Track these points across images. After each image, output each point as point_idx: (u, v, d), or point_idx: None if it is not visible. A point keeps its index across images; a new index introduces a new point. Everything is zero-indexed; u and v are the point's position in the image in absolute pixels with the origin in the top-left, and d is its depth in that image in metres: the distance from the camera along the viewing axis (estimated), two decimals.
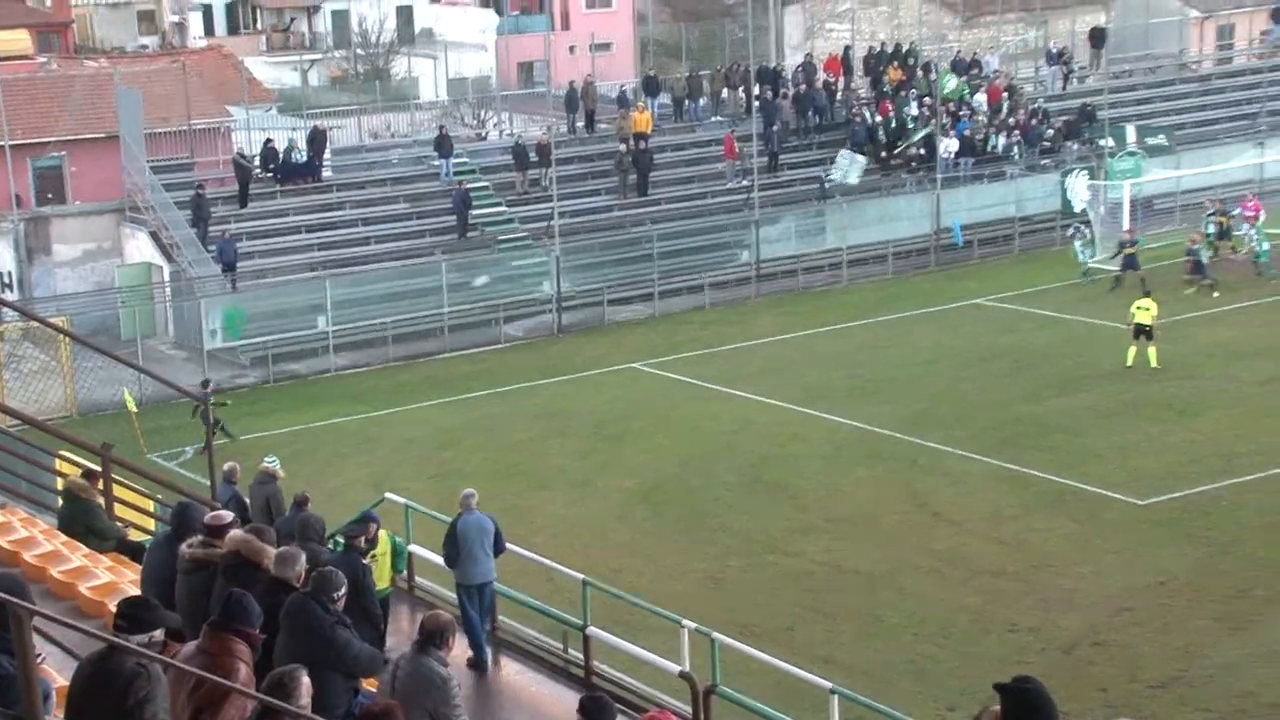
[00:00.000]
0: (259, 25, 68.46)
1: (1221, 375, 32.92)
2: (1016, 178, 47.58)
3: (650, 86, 50.06)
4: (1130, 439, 29.33)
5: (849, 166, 46.74)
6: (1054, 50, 55.71)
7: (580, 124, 48.20)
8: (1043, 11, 57.80)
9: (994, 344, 36.72)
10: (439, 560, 17.61)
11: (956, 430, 30.41)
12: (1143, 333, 33.34)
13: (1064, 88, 55.11)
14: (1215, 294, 38.47)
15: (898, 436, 30.33)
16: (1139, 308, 33.62)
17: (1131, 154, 47.63)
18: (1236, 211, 42.91)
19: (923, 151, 47.78)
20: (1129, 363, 33.41)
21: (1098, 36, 56.57)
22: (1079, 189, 46.51)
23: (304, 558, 10.75)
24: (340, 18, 64.99)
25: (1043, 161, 48.88)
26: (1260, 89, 54.51)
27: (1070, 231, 45.91)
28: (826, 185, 46.50)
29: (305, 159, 43.02)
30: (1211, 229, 42.51)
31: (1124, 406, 31.28)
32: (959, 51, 54.40)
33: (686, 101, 49.89)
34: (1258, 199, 44.02)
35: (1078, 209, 46.44)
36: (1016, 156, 48.76)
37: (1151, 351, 33.24)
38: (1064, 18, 58.45)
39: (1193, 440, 29.03)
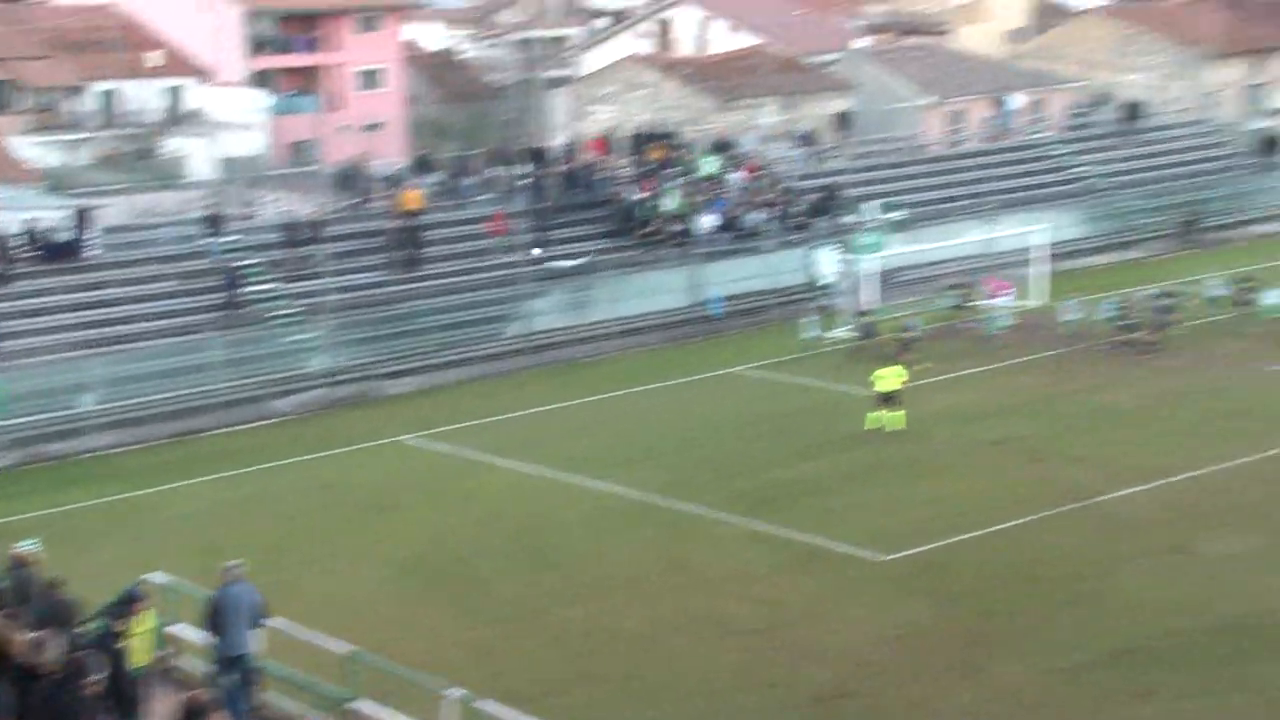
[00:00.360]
0: (22, 106, 66.37)
1: (955, 437, 34.26)
2: (770, 252, 48.86)
3: (422, 165, 50.14)
4: (872, 498, 30.33)
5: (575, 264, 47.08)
6: (803, 133, 57.59)
7: (352, 201, 48.03)
8: (793, 97, 59.75)
9: (751, 410, 37.55)
10: (200, 638, 17.34)
11: (712, 494, 30.97)
12: (887, 399, 34.51)
13: (813, 168, 56.91)
14: (928, 365, 39.44)
15: (657, 501, 30.76)
16: (880, 375, 34.77)
17: (874, 230, 49.39)
18: (981, 288, 44.67)
19: (684, 227, 48.76)
20: (872, 426, 34.53)
21: (842, 120, 58.76)
22: (827, 263, 48.06)
23: (57, 643, 10.59)
24: (108, 98, 63.59)
25: (794, 237, 50.33)
26: (988, 169, 57.11)
27: (817, 304, 47.40)
28: (547, 265, 46.58)
29: (71, 238, 41.86)
30: (951, 302, 44.31)
31: (868, 468, 32.33)
32: (717, 133, 55.76)
33: (457, 180, 50.14)
34: (1002, 280, 45.84)
35: (826, 281, 47.91)
36: (770, 232, 50.11)
37: (896, 416, 34.42)
38: (812, 103, 60.52)
39: (929, 498, 30.13)
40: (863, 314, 42.33)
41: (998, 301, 43.50)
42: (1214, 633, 23.29)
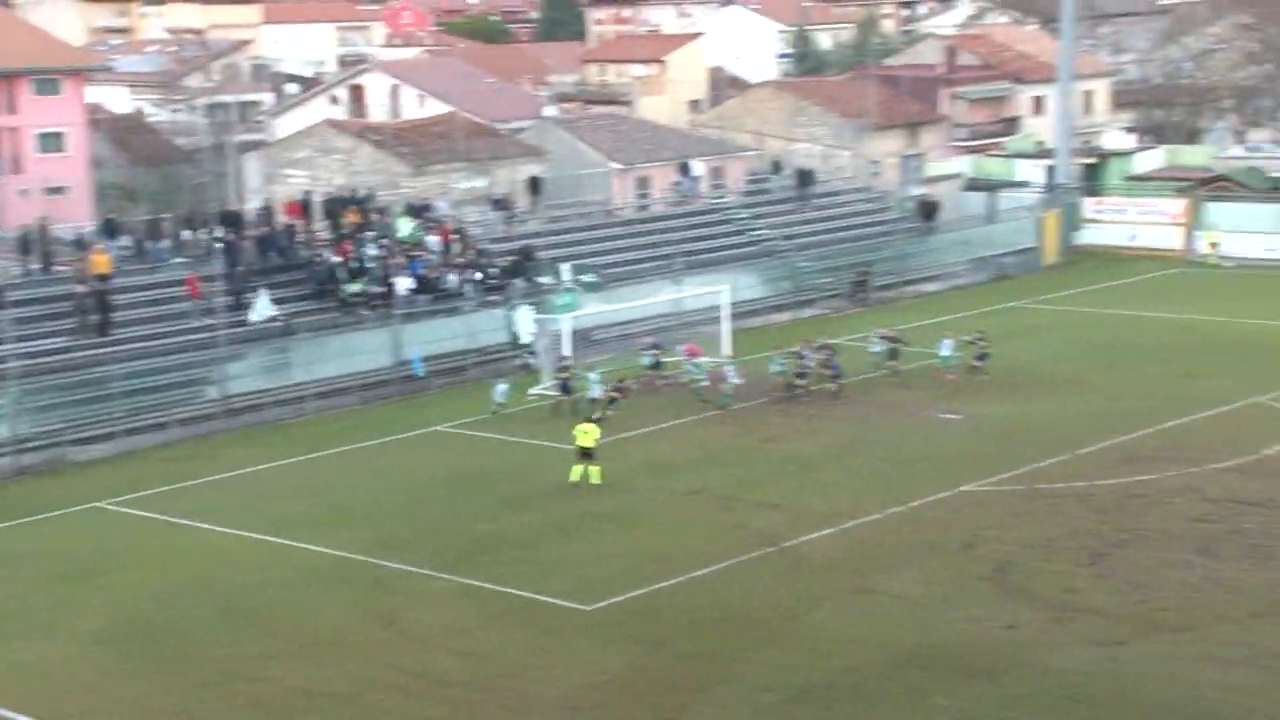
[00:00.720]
0: None
1: (653, 488, 34.83)
2: (469, 313, 48.82)
3: (109, 229, 48.16)
4: (578, 550, 30.50)
5: (264, 307, 46.17)
6: (497, 197, 57.86)
7: (36, 266, 45.69)
8: (485, 162, 59.97)
9: (454, 467, 37.33)
10: None
11: (419, 550, 30.68)
12: (586, 453, 34.78)
13: (507, 230, 57.19)
14: (608, 414, 40.03)
15: (363, 559, 30.23)
16: (581, 431, 35.04)
17: (569, 290, 49.97)
18: (676, 349, 45.52)
19: (382, 289, 48.20)
20: (574, 479, 34.74)
21: (535, 184, 59.31)
22: (525, 322, 48.31)
23: None
24: None
25: (491, 297, 50.41)
26: (674, 232, 58.56)
27: (519, 361, 47.62)
28: (251, 323, 45.67)
29: None
30: (647, 360, 45.00)
31: (571, 520, 32.52)
32: (411, 197, 55.45)
33: (147, 243, 48.32)
34: (695, 345, 46.74)
35: (524, 340, 48.17)
36: (468, 293, 50.05)
37: (594, 470, 34.73)
38: (504, 167, 60.87)
39: (631, 548, 30.52)
40: (561, 369, 42.61)
41: (701, 360, 44.52)
42: (894, 667, 24.23)
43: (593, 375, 41.86)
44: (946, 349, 45.45)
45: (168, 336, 45.03)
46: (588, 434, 34.83)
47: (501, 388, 42.02)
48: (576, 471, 34.76)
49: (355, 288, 47.84)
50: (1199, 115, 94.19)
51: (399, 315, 46.84)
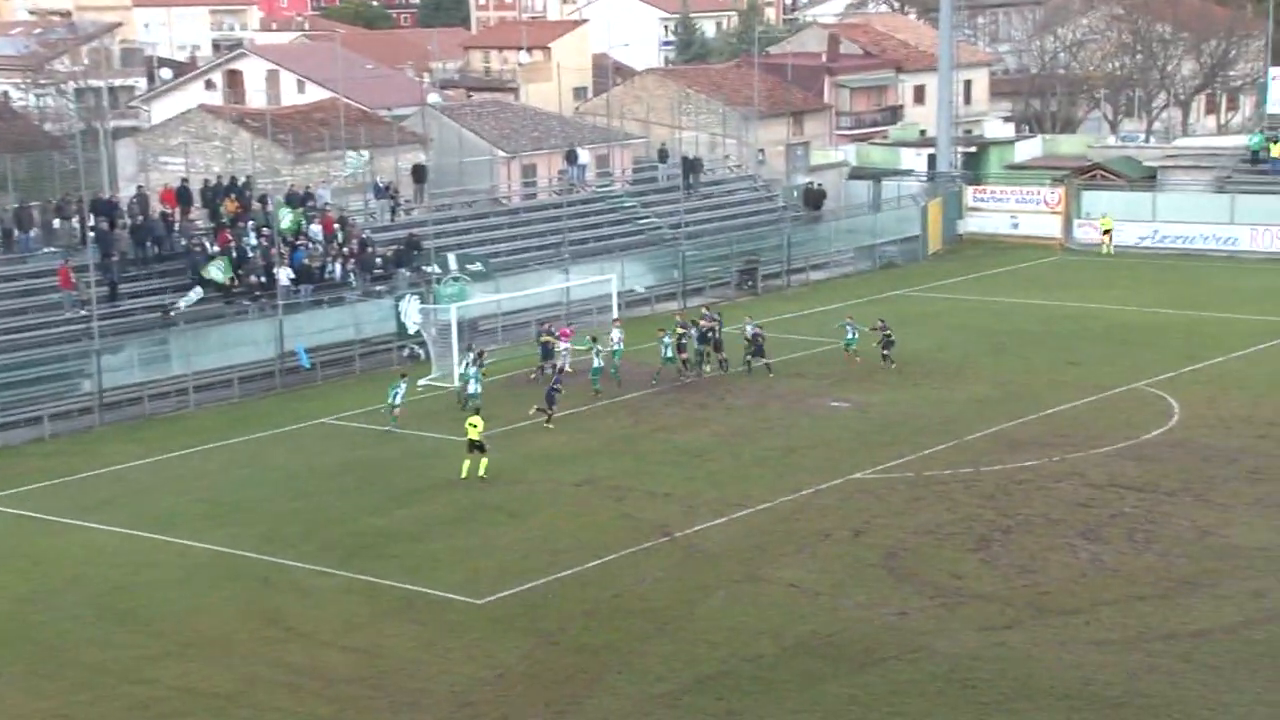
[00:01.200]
0: None
1: (544, 479, 34.78)
2: (354, 303, 48.35)
3: None
4: (469, 543, 30.36)
5: (197, 299, 45.78)
6: (381, 184, 57.29)
7: None
8: (368, 149, 59.34)
9: (341, 460, 37.00)
10: None
11: (307, 546, 30.38)
12: (475, 447, 34.61)
13: (392, 219, 56.73)
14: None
15: (250, 556, 29.86)
16: (470, 425, 34.87)
17: (456, 279, 49.69)
18: (557, 334, 45.48)
19: (264, 279, 47.53)
20: (463, 474, 34.57)
21: (419, 172, 58.82)
22: (412, 312, 47.97)
23: None
24: None
25: (377, 287, 49.96)
26: (561, 221, 58.48)
27: (405, 353, 47.36)
28: (172, 313, 45.25)
29: None
30: (541, 350, 44.76)
31: (462, 513, 32.36)
32: (292, 185, 54.75)
33: (16, 233, 47.10)
34: (565, 327, 46.81)
35: (411, 331, 47.83)
36: (352, 283, 49.55)
37: (482, 463, 34.58)
38: (388, 155, 60.27)
39: (522, 540, 30.45)
40: (478, 359, 41.94)
41: (561, 346, 44.50)
42: (788, 655, 24.46)
43: (483, 367, 41.54)
44: (851, 332, 45.97)
45: (39, 329, 44.02)
46: (476, 426, 34.64)
47: (397, 389, 40.29)
48: (466, 465, 34.60)
49: (216, 273, 47.00)
50: (1074, 105, 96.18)
51: (282, 305, 46.20)
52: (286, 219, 50.27)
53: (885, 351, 44.60)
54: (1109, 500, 32.30)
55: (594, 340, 42.87)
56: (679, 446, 37.46)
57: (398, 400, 39.61)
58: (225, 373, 44.58)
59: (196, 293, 46.54)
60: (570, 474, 35.14)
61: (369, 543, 30.57)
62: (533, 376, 43.69)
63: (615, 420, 40.18)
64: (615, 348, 43.48)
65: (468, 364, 41.74)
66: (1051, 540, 29.73)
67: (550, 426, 38.85)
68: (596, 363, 42.41)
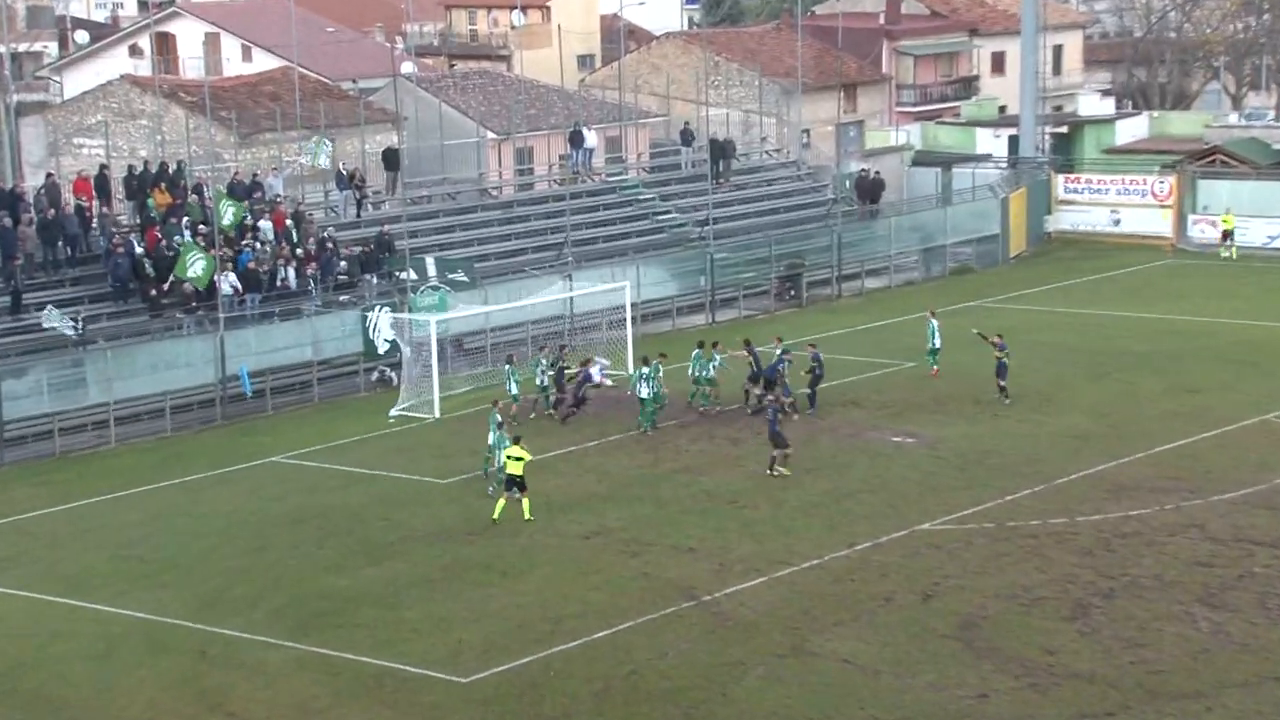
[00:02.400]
0: None
1: (544, 530, 34.75)
2: (312, 316, 48.44)
3: None
4: (450, 608, 30.33)
5: (59, 320, 45.65)
6: (344, 172, 57.48)
7: None
8: (329, 130, 59.55)
9: (297, 508, 37.03)
10: None
11: (254, 612, 30.38)
12: (514, 483, 34.90)
13: (358, 214, 56.89)
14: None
15: (185, 625, 29.86)
16: (510, 457, 35.07)
17: (435, 288, 49.77)
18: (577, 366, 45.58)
19: (201, 286, 47.63)
20: (496, 516, 34.93)
21: (391, 158, 58.99)
22: (382, 328, 48.05)
23: None
24: None
25: (340, 297, 50.04)
26: (563, 217, 58.59)
27: (375, 376, 47.41)
28: (80, 329, 45.42)
29: None
30: (550, 371, 44.56)
31: (442, 572, 32.33)
32: (237, 173, 54.94)
33: None
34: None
35: (381, 350, 47.91)
36: (310, 292, 49.65)
37: (524, 504, 34.92)
38: (353, 137, 60.46)
39: (517, 605, 30.41)
40: (557, 359, 41.96)
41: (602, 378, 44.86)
42: None
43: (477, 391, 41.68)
44: (934, 335, 46.22)
45: None
46: (519, 460, 34.90)
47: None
48: (500, 507, 34.96)
49: (197, 271, 47.09)
50: (1188, 75, 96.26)
51: (224, 320, 46.31)
52: (229, 214, 50.49)
53: (1001, 382, 43.92)
54: (1235, 558, 32.15)
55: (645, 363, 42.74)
56: (707, 490, 37.39)
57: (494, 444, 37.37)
58: (154, 401, 44.63)
59: (70, 322, 45.96)
60: (576, 523, 35.07)
61: (329, 608, 30.50)
62: (555, 411, 43.68)
63: (630, 458, 40.14)
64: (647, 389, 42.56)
65: (543, 369, 42.32)
66: (1165, 607, 29.59)
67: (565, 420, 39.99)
68: (644, 391, 42.11)
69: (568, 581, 31.60)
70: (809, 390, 43.62)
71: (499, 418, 37.54)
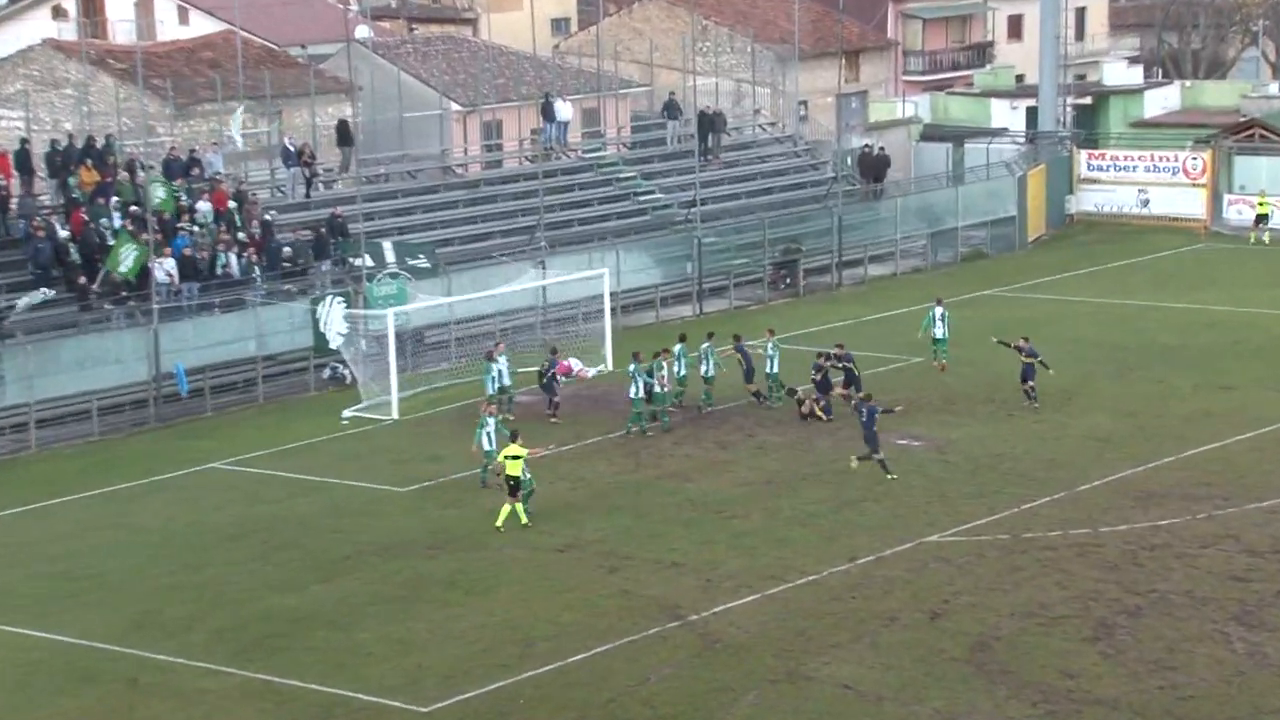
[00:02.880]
0: None
1: (514, 543, 34.74)
2: (256, 307, 48.37)
3: None
4: (410, 630, 30.30)
5: (42, 301, 46.03)
6: (292, 148, 57.39)
7: None
8: (275, 100, 59.47)
9: (239, 519, 37.01)
10: None
11: (192, 635, 30.34)
12: (517, 487, 35.09)
13: (307, 194, 56.81)
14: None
15: (113, 649, 29.79)
16: (508, 456, 35.12)
17: (393, 276, 49.75)
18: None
19: (132, 278, 47.56)
20: (499, 523, 35.10)
21: (345, 132, 58.93)
22: (335, 320, 47.99)
23: None
24: None
25: (288, 286, 49.96)
26: (534, 198, 58.58)
27: (326, 374, 47.37)
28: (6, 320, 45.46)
29: None
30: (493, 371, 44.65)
31: (401, 589, 32.32)
32: (173, 148, 54.84)
33: None
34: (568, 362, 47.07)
35: (334, 345, 47.86)
36: (254, 280, 49.57)
37: (519, 508, 35.13)
38: (302, 109, 60.39)
39: (483, 625, 30.40)
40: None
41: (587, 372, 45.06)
42: None
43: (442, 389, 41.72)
44: (940, 329, 46.73)
45: None
46: (517, 458, 34.99)
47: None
48: (504, 513, 35.11)
49: (128, 263, 47.08)
50: (1223, 41, 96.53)
51: (158, 311, 46.26)
52: (163, 194, 50.42)
53: (1027, 384, 43.63)
54: (1274, 573, 32.24)
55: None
56: (694, 499, 37.44)
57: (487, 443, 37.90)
58: (81, 401, 44.59)
59: (44, 293, 46.58)
60: (549, 536, 35.08)
61: (276, 630, 30.47)
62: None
63: (609, 464, 40.15)
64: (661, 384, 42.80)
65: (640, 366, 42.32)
66: (1197, 626, 29.66)
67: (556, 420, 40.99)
68: (658, 388, 42.44)
69: (539, 600, 31.57)
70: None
71: (491, 420, 37.57)
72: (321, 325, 48.16)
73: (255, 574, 33.52)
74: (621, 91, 69.94)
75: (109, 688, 28.32)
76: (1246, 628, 29.58)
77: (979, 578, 32.22)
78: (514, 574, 33.05)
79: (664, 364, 42.76)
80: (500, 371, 43.58)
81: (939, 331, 47.57)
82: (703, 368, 44.00)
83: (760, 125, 73.03)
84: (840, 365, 43.53)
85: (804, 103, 75.53)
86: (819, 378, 43.32)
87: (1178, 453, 39.82)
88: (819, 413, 42.78)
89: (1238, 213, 68.63)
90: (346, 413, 44.66)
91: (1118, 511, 35.85)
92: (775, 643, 29.30)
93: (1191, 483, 37.68)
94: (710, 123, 66.92)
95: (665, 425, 42.54)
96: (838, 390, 43.29)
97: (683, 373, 44.04)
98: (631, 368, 42.49)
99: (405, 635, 30.06)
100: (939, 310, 47.78)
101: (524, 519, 35.32)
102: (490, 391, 43.00)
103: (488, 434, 37.56)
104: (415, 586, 32.48)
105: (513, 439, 35.80)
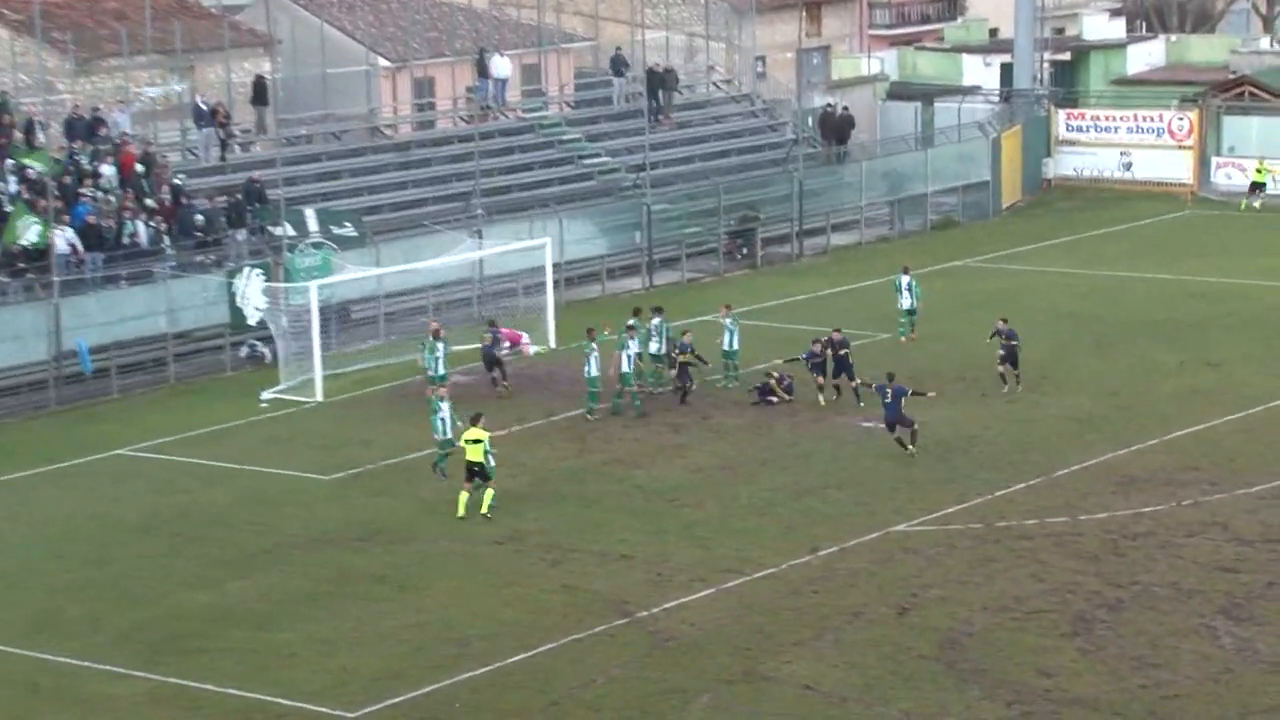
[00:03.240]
0: None
1: (448, 535, 34.73)
2: (166, 280, 48.14)
3: None
4: (335, 629, 30.24)
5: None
6: (205, 107, 57.04)
7: None
8: (186, 55, 59.10)
9: (149, 509, 36.90)
10: None
11: (97, 636, 30.24)
12: (475, 472, 35.05)
13: (222, 157, 56.51)
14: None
15: (11, 652, 29.68)
16: (468, 440, 35.07)
17: (317, 246, 49.57)
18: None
19: (28, 245, 47.30)
20: (461, 511, 35.14)
21: (262, 90, 58.62)
22: (253, 294, 47.83)
23: None
24: None
25: (200, 257, 49.72)
26: (470, 161, 58.39)
27: (244, 352, 47.20)
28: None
29: None
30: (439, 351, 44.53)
31: (325, 585, 32.26)
32: (75, 107, 54.49)
33: None
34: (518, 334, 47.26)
35: (252, 321, 47.69)
36: (164, 250, 49.30)
37: (487, 495, 35.18)
38: (216, 64, 60.04)
39: (415, 624, 30.36)
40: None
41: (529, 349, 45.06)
42: None
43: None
44: (907, 299, 47.12)
45: None
46: (478, 441, 34.92)
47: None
48: (464, 500, 35.12)
49: (31, 236, 46.83)
50: None
51: (58, 284, 46.02)
52: (55, 157, 50.11)
53: (1002, 369, 43.47)
54: (1264, 563, 32.42)
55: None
56: (643, 487, 37.49)
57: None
58: None
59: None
60: (487, 526, 35.06)
61: (189, 630, 30.38)
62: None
63: (551, 449, 40.16)
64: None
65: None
66: (1182, 620, 29.80)
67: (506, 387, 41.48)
68: (625, 366, 42.31)
69: (476, 596, 31.56)
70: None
71: (443, 402, 37.54)
72: (238, 299, 48.06)
73: (166, 569, 33.40)
74: (564, 46, 69.75)
75: (6, 693, 28.17)
76: (1235, 621, 29.73)
77: (949, 569, 32.33)
78: (449, 568, 33.04)
79: (629, 340, 42.58)
80: (439, 357, 43.27)
81: (906, 302, 47.81)
82: (653, 345, 43.97)
83: (714, 83, 72.90)
84: (837, 352, 43.10)
85: (761, 58, 75.48)
86: (812, 363, 43.00)
87: (1162, 434, 40.02)
88: (780, 392, 42.77)
89: (1226, 177, 68.95)
90: (266, 394, 44.54)
91: (1098, 498, 36.02)
92: (731, 641, 29.35)
93: (1176, 467, 37.87)
94: (660, 80, 66.82)
95: (639, 410, 42.48)
96: (827, 381, 42.95)
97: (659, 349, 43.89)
98: (585, 345, 42.40)
99: (330, 635, 29.99)
100: (905, 279, 47.97)
101: (484, 508, 35.24)
102: (434, 373, 42.80)
103: (442, 419, 37.45)
104: (341, 582, 32.40)
105: (474, 422, 35.73)
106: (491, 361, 44.52)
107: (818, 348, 43.24)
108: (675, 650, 29.10)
